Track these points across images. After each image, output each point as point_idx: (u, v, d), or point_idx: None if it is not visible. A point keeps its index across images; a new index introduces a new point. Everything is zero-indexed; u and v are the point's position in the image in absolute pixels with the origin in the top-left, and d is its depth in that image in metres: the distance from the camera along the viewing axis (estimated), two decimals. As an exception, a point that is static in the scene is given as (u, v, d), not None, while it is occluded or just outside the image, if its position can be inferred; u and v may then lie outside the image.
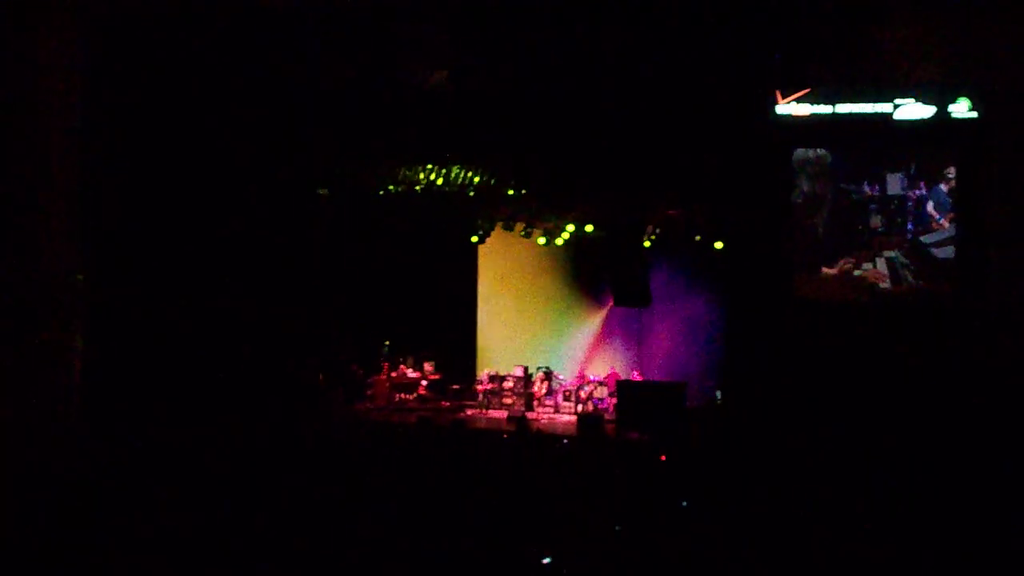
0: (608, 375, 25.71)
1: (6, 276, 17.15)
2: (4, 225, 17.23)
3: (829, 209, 20.26)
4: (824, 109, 19.90)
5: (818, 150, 20.32)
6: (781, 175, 20.34)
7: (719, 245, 24.10)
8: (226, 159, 22.28)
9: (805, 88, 19.97)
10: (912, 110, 19.36)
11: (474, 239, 28.09)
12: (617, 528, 12.46)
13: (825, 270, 20.22)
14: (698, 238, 25.00)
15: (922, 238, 19.64)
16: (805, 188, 20.36)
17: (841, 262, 20.12)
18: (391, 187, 25.12)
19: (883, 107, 19.54)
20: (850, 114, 19.78)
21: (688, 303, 26.01)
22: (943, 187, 19.58)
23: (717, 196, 22.43)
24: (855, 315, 19.92)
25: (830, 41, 19.96)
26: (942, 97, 19.20)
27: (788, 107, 20.02)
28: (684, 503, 14.10)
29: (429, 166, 24.47)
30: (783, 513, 13.78)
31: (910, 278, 19.67)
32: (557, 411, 25.77)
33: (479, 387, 26.23)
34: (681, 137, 20.99)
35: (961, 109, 19.10)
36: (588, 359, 26.84)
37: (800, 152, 20.39)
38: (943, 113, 19.19)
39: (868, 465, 17.33)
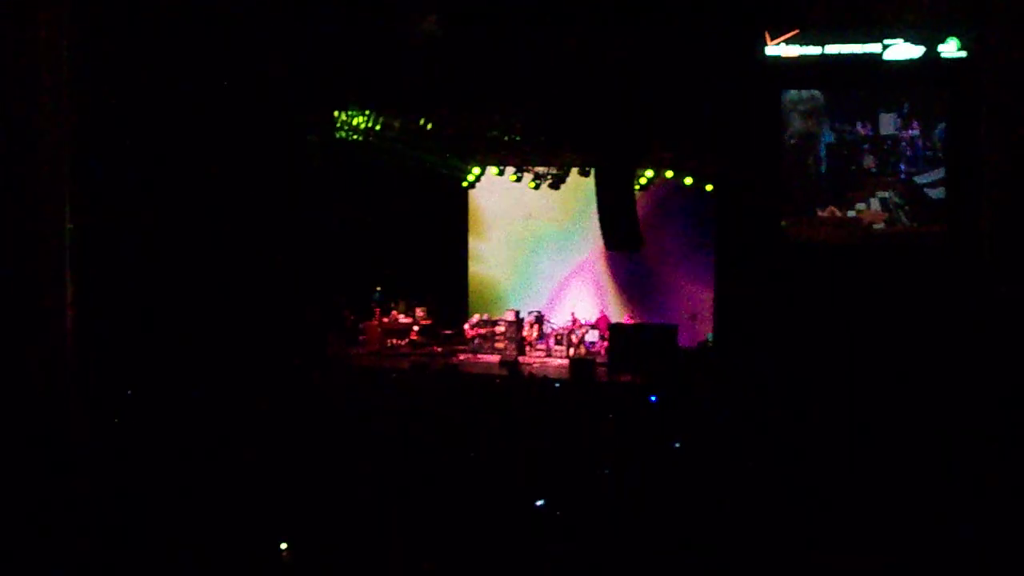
0: (598, 318, 25.79)
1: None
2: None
3: (823, 149, 20.24)
4: (813, 50, 19.85)
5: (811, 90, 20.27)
6: (770, 116, 20.30)
7: (709, 187, 24.14)
8: (217, 105, 22.21)
9: (794, 29, 19.91)
10: (901, 50, 19.31)
11: (464, 183, 28.12)
12: (607, 471, 12.52)
13: (819, 212, 20.21)
14: (688, 180, 25.03)
15: (916, 178, 19.63)
16: (798, 127, 20.33)
17: (835, 203, 20.11)
18: (380, 131, 25.09)
19: (872, 47, 19.48)
20: (839, 55, 19.73)
21: (680, 245, 26.13)
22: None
23: (707, 138, 22.43)
24: (848, 256, 19.94)
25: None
26: (931, 37, 19.14)
27: (777, 48, 19.97)
28: (676, 444, 14.15)
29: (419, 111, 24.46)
30: (774, 454, 13.85)
31: (904, 219, 19.69)
32: (549, 355, 25.90)
33: (469, 331, 26.31)
34: (670, 79, 20.94)
35: (951, 49, 19.05)
36: (579, 303, 26.88)
37: (793, 92, 20.33)
38: (932, 53, 19.13)
39: (859, 405, 17.39)
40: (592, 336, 25.72)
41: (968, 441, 14.50)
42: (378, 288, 27.03)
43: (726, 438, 15.31)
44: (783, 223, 20.43)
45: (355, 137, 25.39)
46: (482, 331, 26.19)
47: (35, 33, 17.24)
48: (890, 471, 12.65)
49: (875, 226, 19.83)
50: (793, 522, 10.56)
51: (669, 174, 25.37)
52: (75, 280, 18.00)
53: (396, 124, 24.84)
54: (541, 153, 26.02)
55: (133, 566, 9.15)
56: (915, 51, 19.18)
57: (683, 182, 25.05)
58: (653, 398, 18.16)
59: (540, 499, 11.02)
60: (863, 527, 10.48)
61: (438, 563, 9.21)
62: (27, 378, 16.75)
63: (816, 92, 20.18)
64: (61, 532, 10.71)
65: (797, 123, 20.31)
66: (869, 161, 19.93)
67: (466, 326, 26.51)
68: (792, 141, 20.32)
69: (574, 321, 26.00)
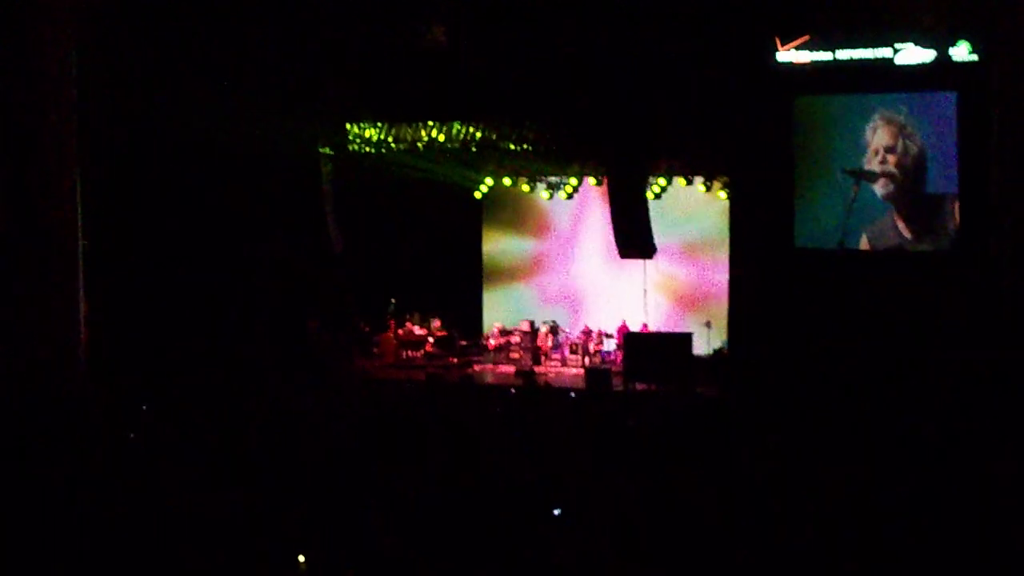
0: (619, 327, 25.73)
1: (9, 241, 17.19)
2: (5, 187, 17.27)
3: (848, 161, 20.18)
4: (824, 56, 19.83)
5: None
6: (783, 123, 20.28)
7: (722, 195, 24.11)
8: (227, 118, 22.27)
9: (805, 35, 19.89)
10: (912, 54, 19.28)
11: (477, 194, 28.12)
12: (624, 479, 12.50)
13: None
14: (702, 188, 25.01)
15: (934, 188, 19.55)
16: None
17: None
18: (392, 144, 25.13)
19: (883, 52, 19.45)
20: (850, 60, 19.72)
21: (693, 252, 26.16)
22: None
23: (720, 145, 22.41)
24: (863, 265, 19.88)
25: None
26: (942, 41, 19.11)
27: (788, 54, 19.96)
28: (692, 453, 14.13)
29: (431, 123, 24.48)
30: (791, 461, 13.82)
31: (933, 228, 19.58)
32: (564, 364, 25.86)
33: (490, 342, 26.32)
34: (682, 87, 20.95)
35: (961, 52, 19.01)
36: (595, 312, 26.83)
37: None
38: (943, 57, 19.10)
39: (877, 410, 17.35)
40: (608, 345, 25.68)
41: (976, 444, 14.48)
42: (393, 300, 27.02)
43: (741, 446, 15.29)
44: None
45: (368, 149, 25.42)
46: (502, 340, 26.22)
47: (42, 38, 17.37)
48: (907, 477, 12.63)
49: (903, 235, 19.74)
50: (807, 527, 10.54)
51: (683, 182, 25.34)
52: (89, 295, 18.09)
53: (408, 136, 24.87)
54: (553, 163, 26.01)
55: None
56: (926, 55, 19.16)
57: (698, 189, 25.09)
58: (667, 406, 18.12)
59: (557, 508, 11.02)
60: (877, 532, 10.46)
61: (454, 573, 9.21)
62: (44, 384, 16.88)
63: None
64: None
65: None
66: (891, 171, 19.83)
67: (490, 337, 26.54)
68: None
69: (589, 330, 25.96)
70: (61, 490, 11.93)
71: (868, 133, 19.87)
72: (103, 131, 20.07)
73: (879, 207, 19.88)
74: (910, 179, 19.69)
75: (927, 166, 19.56)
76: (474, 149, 24.95)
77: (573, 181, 26.42)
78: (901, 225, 19.71)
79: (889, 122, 19.73)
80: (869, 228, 19.92)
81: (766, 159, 20.54)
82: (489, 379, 24.18)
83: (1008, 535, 10.45)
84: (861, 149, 19.92)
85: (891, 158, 19.78)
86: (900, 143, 19.64)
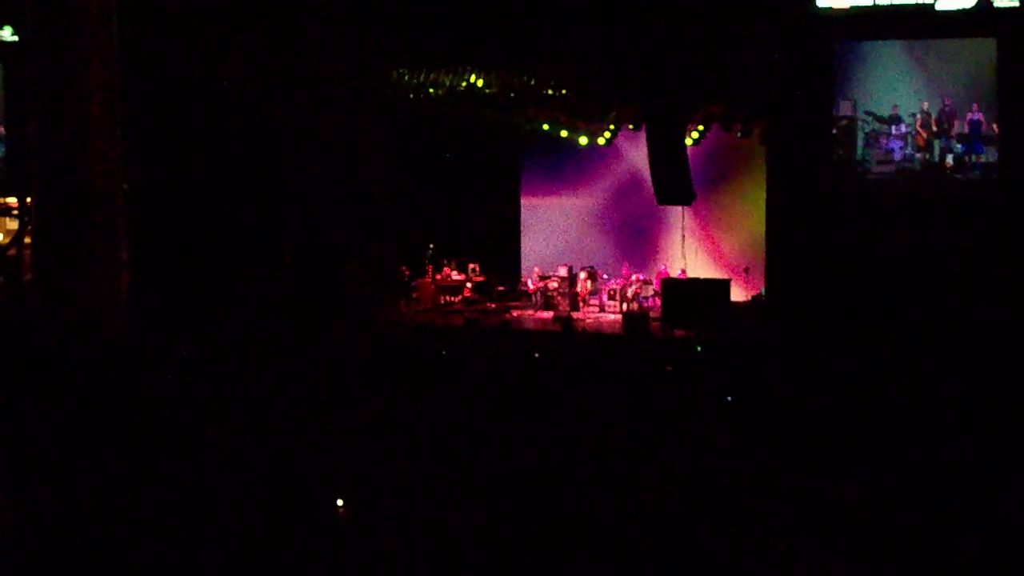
0: (658, 273, 25.75)
1: (53, 189, 17.30)
2: (50, 138, 17.35)
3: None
4: (865, 0, 19.69)
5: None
6: (822, 68, 20.17)
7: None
8: (268, 62, 22.33)
9: (846, -21, 19.76)
10: (954, -1, 19.14)
11: (516, 140, 28.11)
12: (660, 426, 12.55)
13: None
14: (740, 134, 24.94)
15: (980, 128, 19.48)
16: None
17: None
18: (431, 90, 25.11)
19: (924, -3, 19.31)
20: (891, 5, 19.56)
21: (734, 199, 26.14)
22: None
23: (759, 91, 22.32)
24: (901, 211, 19.80)
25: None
26: (985, -15, 18.96)
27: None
28: (729, 398, 14.17)
29: (469, 68, 24.45)
30: (830, 407, 13.85)
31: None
32: (602, 310, 25.90)
33: (528, 287, 26.42)
34: (722, 32, 20.86)
35: (1004, -2, 18.86)
36: (633, 258, 26.83)
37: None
38: (985, 2, 18.93)
39: (916, 359, 17.33)
40: (646, 291, 25.71)
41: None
42: (431, 245, 27.10)
43: (780, 391, 15.32)
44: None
45: (407, 95, 25.39)
46: (540, 285, 26.32)
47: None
48: (946, 425, 12.64)
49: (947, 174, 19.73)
50: (846, 472, 10.58)
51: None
52: (129, 237, 18.23)
53: (447, 81, 24.82)
54: (591, 108, 25.94)
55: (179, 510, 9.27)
56: (967, 0, 18.98)
57: (736, 135, 25.00)
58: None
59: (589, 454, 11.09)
60: (920, 475, 10.49)
61: (487, 515, 9.30)
62: (86, 326, 17.02)
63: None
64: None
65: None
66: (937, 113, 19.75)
67: (528, 282, 26.67)
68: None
69: (627, 276, 25.99)
70: (101, 431, 12.08)
71: (904, 82, 19.75)
72: (144, 73, 20.16)
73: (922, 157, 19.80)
74: (940, 130, 19.63)
75: (957, 119, 19.54)
76: (512, 95, 24.90)
77: (611, 127, 26.36)
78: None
79: (925, 69, 19.67)
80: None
81: (805, 104, 20.44)
82: (527, 324, 24.25)
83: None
84: (898, 96, 19.78)
85: (925, 105, 19.75)
86: (935, 90, 19.62)
